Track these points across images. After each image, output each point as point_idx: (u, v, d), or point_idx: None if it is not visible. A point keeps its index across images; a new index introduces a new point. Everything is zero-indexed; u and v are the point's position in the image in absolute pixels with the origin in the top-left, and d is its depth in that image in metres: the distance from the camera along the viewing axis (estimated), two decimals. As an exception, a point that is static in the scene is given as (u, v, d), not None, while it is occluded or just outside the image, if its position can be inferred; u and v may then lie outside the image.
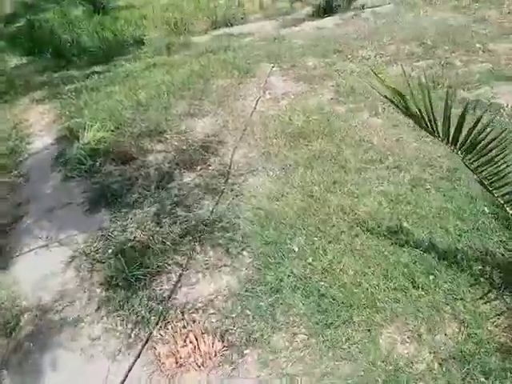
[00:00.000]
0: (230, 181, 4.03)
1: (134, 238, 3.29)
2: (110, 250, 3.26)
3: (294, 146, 4.37)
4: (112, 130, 5.13)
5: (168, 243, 3.24)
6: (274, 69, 6.66)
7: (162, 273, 3.06)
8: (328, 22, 9.01)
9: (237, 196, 3.78)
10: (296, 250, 3.05)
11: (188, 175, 4.21)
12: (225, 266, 3.05)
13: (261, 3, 11.17)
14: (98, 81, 7.09)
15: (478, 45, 6.27)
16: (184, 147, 4.71)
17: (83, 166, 4.39)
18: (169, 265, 3.09)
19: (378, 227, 3.21)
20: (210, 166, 4.31)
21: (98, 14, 11.38)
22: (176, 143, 4.83)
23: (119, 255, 3.17)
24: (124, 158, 4.56)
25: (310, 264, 3.02)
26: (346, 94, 5.41)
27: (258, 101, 5.61)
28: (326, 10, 9.79)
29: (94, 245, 3.34)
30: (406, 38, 7.09)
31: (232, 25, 9.87)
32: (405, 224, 3.18)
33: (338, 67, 6.33)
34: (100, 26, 10.41)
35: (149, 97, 6.07)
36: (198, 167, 4.29)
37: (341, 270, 2.95)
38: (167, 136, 5.02)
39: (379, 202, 3.43)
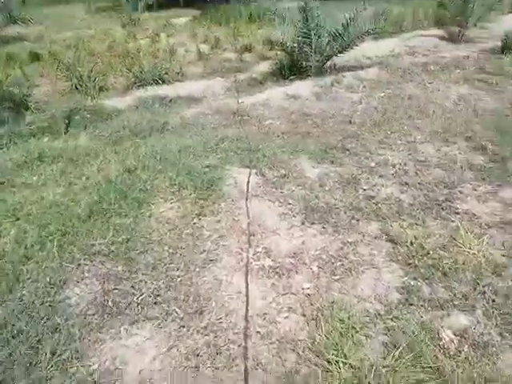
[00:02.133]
0: None
1: None
2: None
3: None
4: None
5: None
6: (252, 179, 3.88)
7: None
8: (301, 88, 6.51)
9: None
10: None
11: None
12: None
13: (199, 52, 8.48)
14: None
15: None
16: None
17: None
18: None
19: None
20: None
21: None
22: None
23: None
24: None
25: None
26: (422, 266, 2.78)
27: (247, 277, 2.76)
28: (291, 70, 7.32)
29: None
30: (441, 129, 4.73)
31: (164, 81, 6.97)
32: None
33: (364, 187, 3.72)
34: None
35: (21, 253, 2.96)
36: None
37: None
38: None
39: None
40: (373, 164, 4.12)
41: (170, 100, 6.13)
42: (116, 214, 3.40)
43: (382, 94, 6.03)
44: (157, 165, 4.15)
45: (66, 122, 5.24)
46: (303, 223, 3.29)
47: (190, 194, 3.68)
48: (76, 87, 6.40)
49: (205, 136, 4.81)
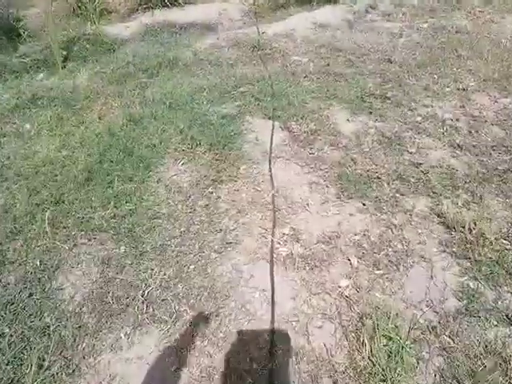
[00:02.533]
0: None
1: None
2: None
3: None
4: None
5: None
6: (276, 135, 3.32)
7: None
8: (331, 14, 5.66)
9: None
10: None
11: None
12: None
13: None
14: None
15: None
16: None
17: None
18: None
19: None
20: None
21: None
22: None
23: None
24: None
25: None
26: (484, 262, 2.30)
27: (272, 268, 2.32)
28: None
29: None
30: (497, 73, 4.01)
31: (173, 3, 6.12)
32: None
33: (410, 149, 3.14)
34: None
35: (8, 227, 2.55)
36: None
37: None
38: None
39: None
40: (418, 118, 3.49)
41: (181, 28, 5.34)
42: (119, 178, 2.91)
43: (426, 25, 5.19)
44: (166, 112, 3.58)
45: (64, 54, 4.56)
46: (339, 197, 2.77)
47: (205, 153, 3.15)
48: (74, 9, 5.61)
49: (221, 75, 4.16)
